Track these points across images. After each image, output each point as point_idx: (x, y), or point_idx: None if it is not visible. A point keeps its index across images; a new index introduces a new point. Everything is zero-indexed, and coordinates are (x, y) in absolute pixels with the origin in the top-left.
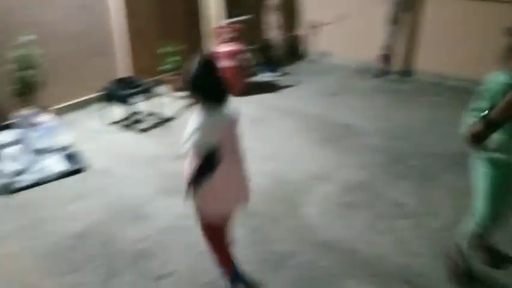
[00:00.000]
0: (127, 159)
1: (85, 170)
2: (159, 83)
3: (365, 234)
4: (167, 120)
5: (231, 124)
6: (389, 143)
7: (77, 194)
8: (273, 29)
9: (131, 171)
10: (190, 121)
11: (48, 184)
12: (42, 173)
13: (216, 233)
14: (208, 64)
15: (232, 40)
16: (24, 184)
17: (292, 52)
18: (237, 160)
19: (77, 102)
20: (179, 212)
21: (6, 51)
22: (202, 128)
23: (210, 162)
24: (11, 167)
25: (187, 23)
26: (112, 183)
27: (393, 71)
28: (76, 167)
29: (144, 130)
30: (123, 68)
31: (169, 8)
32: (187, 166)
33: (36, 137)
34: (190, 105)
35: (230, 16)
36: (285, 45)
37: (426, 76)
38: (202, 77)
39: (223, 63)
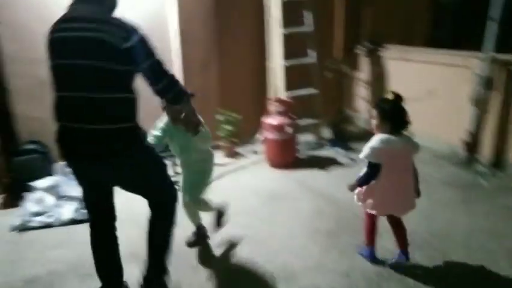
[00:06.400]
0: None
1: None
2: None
3: None
4: None
5: (402, 150)
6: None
7: (64, 242)
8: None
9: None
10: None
11: (57, 228)
12: (54, 218)
13: (368, 219)
14: (399, 100)
15: (281, 114)
16: (35, 225)
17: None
18: (402, 178)
19: None
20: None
21: None
22: (376, 146)
23: (371, 172)
24: (32, 208)
25: (254, 92)
26: None
27: (479, 161)
28: (85, 217)
29: None
30: None
31: (234, 76)
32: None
33: (68, 185)
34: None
35: (289, 88)
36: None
37: None
38: (394, 109)
39: (267, 135)
